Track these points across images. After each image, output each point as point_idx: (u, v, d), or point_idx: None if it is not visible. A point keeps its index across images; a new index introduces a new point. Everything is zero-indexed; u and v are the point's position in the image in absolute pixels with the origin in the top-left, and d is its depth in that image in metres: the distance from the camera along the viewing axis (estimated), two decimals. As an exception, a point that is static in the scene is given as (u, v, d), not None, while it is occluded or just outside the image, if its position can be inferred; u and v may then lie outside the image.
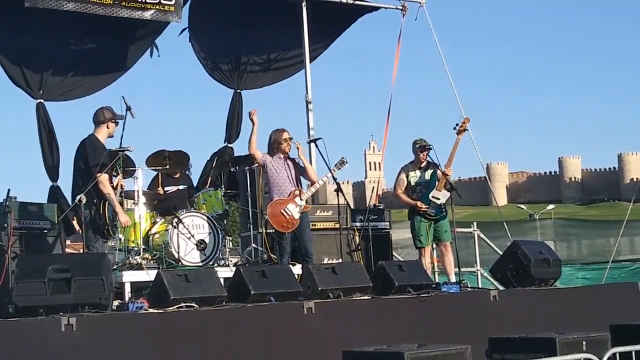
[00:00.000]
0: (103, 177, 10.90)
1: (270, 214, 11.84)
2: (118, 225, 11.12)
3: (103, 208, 10.73)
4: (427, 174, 13.08)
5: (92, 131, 11.42)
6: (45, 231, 11.92)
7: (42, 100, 14.51)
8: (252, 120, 11.95)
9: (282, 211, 11.78)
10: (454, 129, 13.24)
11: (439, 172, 12.89)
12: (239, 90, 16.96)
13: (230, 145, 16.77)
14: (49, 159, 14.41)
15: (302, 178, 12.20)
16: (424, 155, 13.06)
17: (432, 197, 12.86)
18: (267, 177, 12.10)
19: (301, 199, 11.92)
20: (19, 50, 14.33)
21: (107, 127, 11.21)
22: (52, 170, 14.42)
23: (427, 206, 12.82)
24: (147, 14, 14.15)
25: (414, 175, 13.09)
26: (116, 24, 14.48)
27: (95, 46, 15.10)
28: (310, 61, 16.58)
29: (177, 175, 13.09)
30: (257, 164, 12.71)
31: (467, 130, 13.42)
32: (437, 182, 12.89)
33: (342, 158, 12.23)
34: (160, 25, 15.21)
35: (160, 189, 12.64)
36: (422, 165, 13.13)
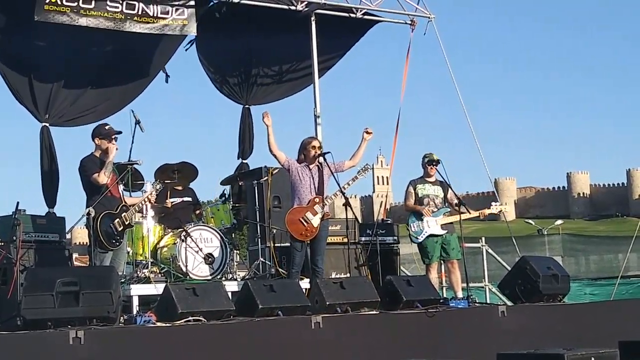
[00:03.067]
0: (95, 177, 10.86)
1: (289, 221, 11.73)
2: (124, 234, 11.08)
3: (95, 221, 10.66)
4: (436, 189, 13.11)
5: None
6: (54, 244, 11.94)
7: (47, 124, 14.30)
8: (264, 123, 11.87)
9: (301, 219, 11.67)
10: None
11: (448, 211, 13.03)
12: (247, 106, 16.98)
13: (244, 161, 16.78)
14: (47, 185, 14.22)
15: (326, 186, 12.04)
16: (432, 169, 13.10)
17: (427, 221, 12.91)
18: (291, 182, 12.04)
19: (321, 207, 11.77)
20: (29, 62, 14.18)
21: (97, 144, 11.10)
22: (50, 196, 14.22)
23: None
24: (160, 26, 14.19)
25: (422, 188, 13.10)
26: (130, 47, 14.55)
27: (107, 65, 14.95)
28: (320, 74, 16.61)
29: (181, 188, 13.10)
30: (274, 169, 12.84)
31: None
32: (441, 216, 12.95)
33: (367, 164, 12.20)
34: (171, 47, 15.23)
35: (168, 201, 12.65)
36: (431, 179, 13.16)
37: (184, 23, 14.51)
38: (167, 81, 15.20)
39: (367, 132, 12.09)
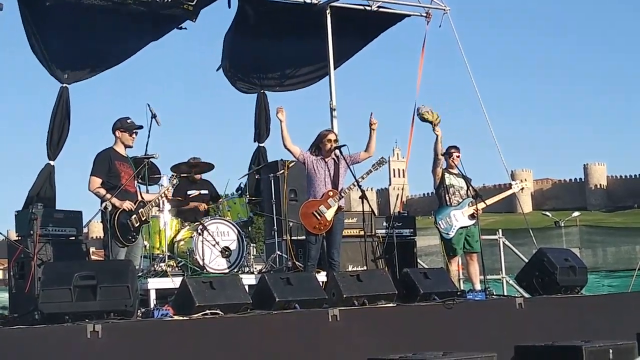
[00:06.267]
0: (91, 179, 10.90)
1: (302, 215, 11.72)
2: (141, 230, 11.09)
3: (113, 216, 10.68)
4: (460, 181, 13.08)
5: None
6: (72, 238, 11.97)
7: (67, 85, 14.39)
8: (278, 118, 11.85)
9: (314, 212, 11.64)
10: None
11: (472, 201, 12.96)
12: (263, 91, 17.01)
13: (261, 144, 16.80)
14: (55, 136, 14.21)
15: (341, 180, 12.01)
16: (454, 160, 13.07)
17: (454, 215, 12.88)
18: (306, 174, 12.02)
19: (335, 201, 11.73)
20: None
21: (118, 136, 11.12)
22: (54, 148, 14.23)
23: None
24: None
25: (448, 177, 13.07)
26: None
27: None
28: (336, 67, 16.58)
29: (198, 180, 13.13)
30: (291, 162, 12.85)
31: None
32: (467, 206, 12.91)
33: (382, 158, 12.15)
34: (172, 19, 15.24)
35: (191, 193, 12.74)
36: (454, 171, 13.13)
37: (189, 9, 14.56)
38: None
39: (372, 122, 12.04)
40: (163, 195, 11.28)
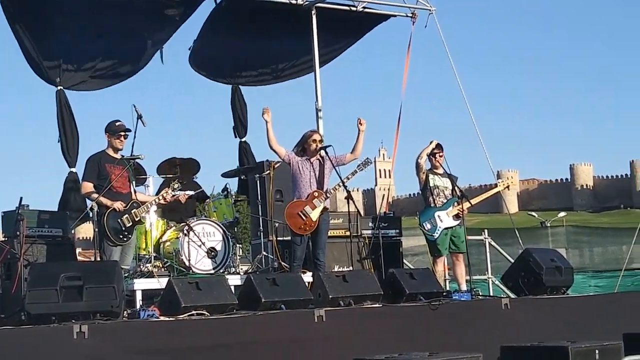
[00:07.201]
0: (82, 184, 11.03)
1: (288, 215, 11.70)
2: (134, 230, 11.11)
3: (101, 217, 10.71)
4: (445, 181, 13.06)
5: None
6: (58, 239, 11.96)
7: (61, 87, 14.43)
8: (264, 119, 11.83)
9: (300, 213, 11.61)
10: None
11: (458, 201, 12.93)
12: (236, 85, 17.13)
13: (242, 140, 16.83)
14: (69, 142, 14.33)
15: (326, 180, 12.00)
16: (437, 160, 13.05)
17: (438, 216, 12.87)
18: (292, 175, 12.01)
19: (320, 201, 11.72)
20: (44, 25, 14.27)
21: (108, 139, 11.16)
22: (71, 154, 14.34)
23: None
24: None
25: (432, 179, 13.04)
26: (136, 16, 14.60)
27: (114, 33, 14.92)
28: (321, 65, 16.62)
29: (184, 182, 13.11)
30: (276, 163, 12.88)
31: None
32: (451, 207, 12.90)
33: (367, 158, 12.15)
34: (172, 27, 15.23)
35: (182, 195, 12.71)
36: (439, 171, 13.11)
37: None
38: (162, 60, 15.09)
39: (360, 123, 12.05)
40: (162, 197, 11.30)
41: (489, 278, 18.11)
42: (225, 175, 14.20)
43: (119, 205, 10.79)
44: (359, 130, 12.02)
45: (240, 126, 16.91)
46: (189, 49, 16.36)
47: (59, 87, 14.43)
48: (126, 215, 10.85)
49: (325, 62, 17.13)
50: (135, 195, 11.20)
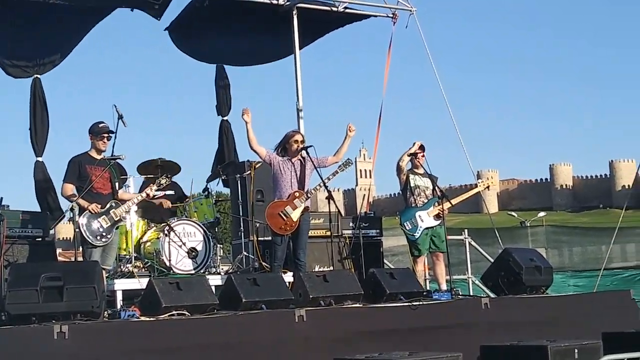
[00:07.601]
0: (63, 185, 11.00)
1: (268, 215, 11.70)
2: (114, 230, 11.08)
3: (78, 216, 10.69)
4: (425, 181, 13.05)
5: None
6: (38, 239, 11.92)
7: (38, 75, 14.43)
8: (243, 119, 11.80)
9: (280, 213, 11.62)
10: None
11: (438, 201, 12.91)
12: (221, 65, 17.29)
13: (224, 118, 16.89)
14: (38, 131, 14.28)
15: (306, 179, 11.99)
16: (419, 160, 13.02)
17: (419, 216, 12.87)
18: (273, 175, 12.01)
19: (301, 201, 11.73)
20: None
21: (91, 140, 11.14)
22: (39, 144, 14.27)
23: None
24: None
25: (413, 179, 13.04)
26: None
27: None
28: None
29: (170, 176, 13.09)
30: (257, 164, 12.87)
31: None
32: (432, 207, 12.90)
33: (348, 159, 12.15)
34: None
35: (157, 193, 12.66)
36: (420, 171, 13.09)
37: (155, 7, 14.56)
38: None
39: (350, 129, 12.08)
40: (145, 194, 11.28)
41: (469, 278, 18.13)
42: (210, 179, 14.15)
43: (94, 207, 10.76)
44: (346, 135, 12.06)
45: (223, 105, 16.98)
46: (166, 29, 16.27)
47: (35, 76, 14.39)
48: (104, 216, 10.82)
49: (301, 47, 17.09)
50: (116, 196, 11.18)
